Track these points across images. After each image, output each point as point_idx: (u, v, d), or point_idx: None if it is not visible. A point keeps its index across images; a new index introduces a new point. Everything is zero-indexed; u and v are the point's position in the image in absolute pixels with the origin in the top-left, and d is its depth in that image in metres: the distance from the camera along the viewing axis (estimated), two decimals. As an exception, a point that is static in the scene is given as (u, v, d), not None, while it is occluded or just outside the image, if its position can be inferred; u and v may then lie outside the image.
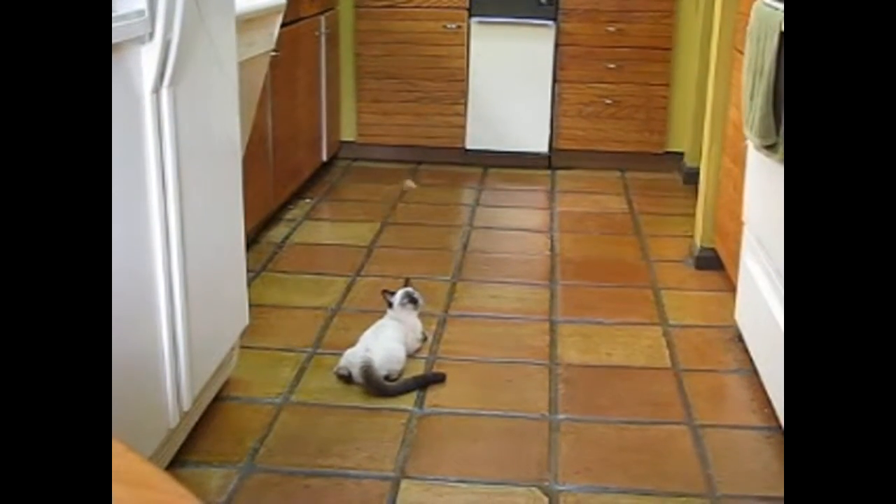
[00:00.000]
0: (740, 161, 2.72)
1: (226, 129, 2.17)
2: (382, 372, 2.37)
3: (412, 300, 2.62)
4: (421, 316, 2.68)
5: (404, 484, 1.99)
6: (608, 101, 4.52)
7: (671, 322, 2.84)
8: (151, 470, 0.70)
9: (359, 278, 3.13)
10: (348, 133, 4.69)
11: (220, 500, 1.93)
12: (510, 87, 4.54)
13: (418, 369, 2.49)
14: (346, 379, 2.41)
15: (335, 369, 2.44)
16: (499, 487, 1.99)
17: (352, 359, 2.41)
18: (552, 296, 3.03)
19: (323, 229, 3.73)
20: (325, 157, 4.36)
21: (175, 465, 2.01)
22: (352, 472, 2.03)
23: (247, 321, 2.37)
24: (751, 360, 2.46)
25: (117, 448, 0.72)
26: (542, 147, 4.60)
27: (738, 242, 2.70)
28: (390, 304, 2.61)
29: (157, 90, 1.73)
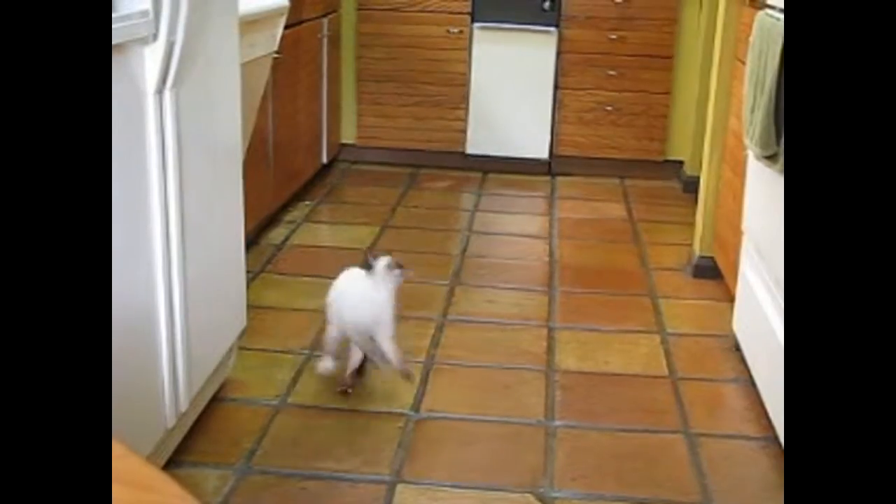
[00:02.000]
0: (740, 170, 2.72)
1: (227, 130, 2.17)
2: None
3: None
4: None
5: (400, 488, 1.99)
6: (609, 108, 4.53)
7: (669, 330, 2.84)
8: (152, 471, 0.70)
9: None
10: (349, 136, 4.69)
11: (215, 501, 1.93)
12: (511, 93, 4.55)
13: (416, 372, 2.49)
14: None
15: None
16: (494, 493, 1.99)
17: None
18: (550, 302, 3.04)
19: (322, 231, 3.73)
20: (325, 160, 4.37)
21: (171, 465, 2.01)
22: (347, 475, 2.03)
23: (245, 322, 2.37)
24: (748, 369, 2.47)
25: (118, 449, 0.72)
26: (543, 153, 4.61)
27: (736, 252, 2.70)
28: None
29: (160, 91, 1.73)
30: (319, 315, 2.83)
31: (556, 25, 4.45)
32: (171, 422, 1.92)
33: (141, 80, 1.68)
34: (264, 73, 3.07)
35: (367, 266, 2.32)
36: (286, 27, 3.19)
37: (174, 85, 1.77)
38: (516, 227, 3.90)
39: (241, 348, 2.46)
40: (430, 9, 4.47)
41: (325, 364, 2.38)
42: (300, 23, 3.68)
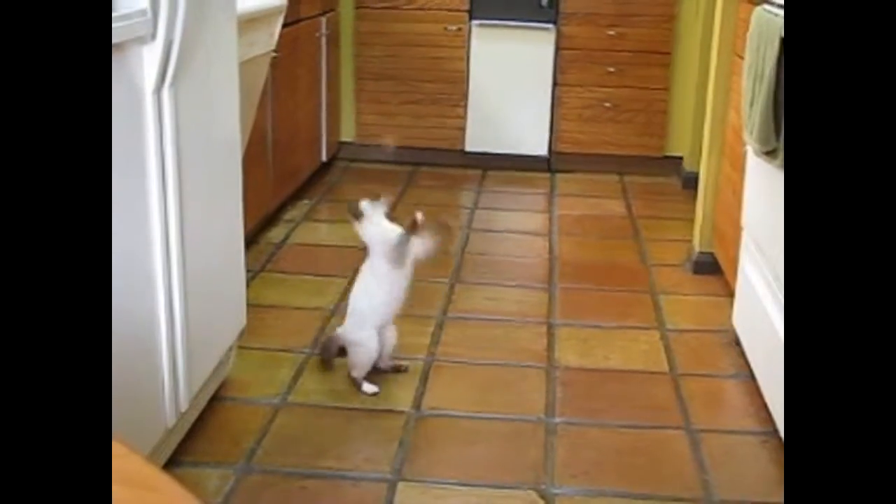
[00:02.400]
0: (739, 166, 2.72)
1: (226, 129, 2.17)
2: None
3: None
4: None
5: (401, 486, 1.99)
6: (608, 105, 4.52)
7: (669, 326, 2.84)
8: (153, 471, 0.70)
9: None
10: (347, 134, 4.69)
11: (216, 500, 1.93)
12: (510, 90, 4.54)
13: (416, 370, 2.49)
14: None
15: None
16: (496, 490, 2.00)
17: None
18: (550, 299, 3.04)
19: (321, 230, 3.73)
20: (324, 158, 4.36)
21: (171, 465, 2.01)
22: (349, 473, 2.03)
23: (245, 321, 2.37)
24: (748, 364, 2.47)
25: (119, 449, 0.72)
26: (542, 150, 4.61)
27: (736, 247, 2.70)
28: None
29: (158, 90, 1.73)
30: (320, 313, 2.83)
31: (555, 22, 4.44)
32: (171, 421, 1.92)
33: (139, 79, 1.68)
34: (263, 72, 3.06)
35: (357, 212, 2.36)
36: (284, 25, 3.19)
37: (173, 84, 1.77)
38: (516, 224, 3.90)
39: (240, 347, 2.46)
40: (427, 6, 4.46)
41: (373, 387, 2.37)
42: (298, 21, 3.68)
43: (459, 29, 4.48)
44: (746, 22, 2.53)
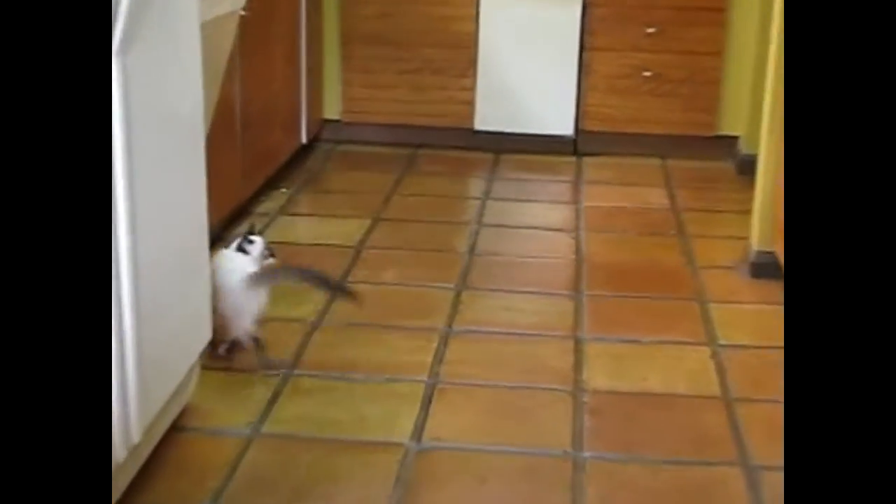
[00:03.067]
0: (806, 147, 2.72)
1: (187, 103, 2.18)
2: None
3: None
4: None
5: (398, 534, 2.00)
6: (647, 74, 4.53)
7: (721, 341, 2.84)
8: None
9: (345, 284, 3.13)
10: (332, 110, 4.70)
11: (175, 551, 1.94)
12: (528, 57, 4.55)
13: (416, 394, 2.50)
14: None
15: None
16: (512, 539, 2.00)
17: None
18: (577, 308, 3.04)
19: (301, 226, 3.74)
20: (304, 139, 4.38)
21: (122, 508, 2.02)
22: (335, 518, 2.04)
23: (209, 335, 2.38)
24: (817, 387, 2.47)
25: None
26: (567, 129, 4.61)
27: (802, 246, 2.70)
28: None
29: (104, 57, 1.74)
30: (299, 326, 2.84)
31: (583, -26, 4.45)
32: (120, 456, 1.92)
33: (81, 44, 1.68)
34: (230, 34, 3.07)
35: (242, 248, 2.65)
36: (256, -21, 3.20)
37: (121, 52, 1.77)
38: (535, 219, 3.90)
39: (204, 367, 2.46)
40: (429, -45, 4.48)
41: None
42: (273, -26, 3.69)
43: (468, -17, 4.49)
44: (815, -27, 2.53)
